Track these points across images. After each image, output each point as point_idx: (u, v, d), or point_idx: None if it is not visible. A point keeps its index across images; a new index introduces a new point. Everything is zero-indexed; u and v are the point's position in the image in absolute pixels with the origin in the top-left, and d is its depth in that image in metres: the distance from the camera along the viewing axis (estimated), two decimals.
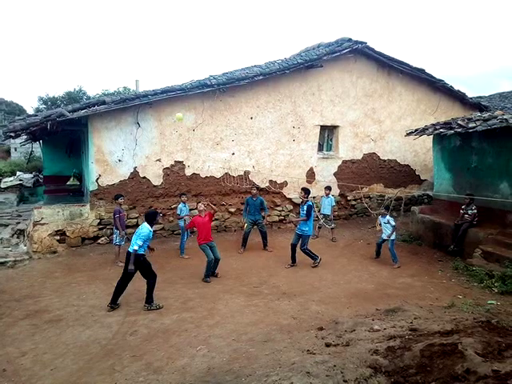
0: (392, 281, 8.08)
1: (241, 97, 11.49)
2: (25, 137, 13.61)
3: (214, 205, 11.47)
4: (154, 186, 10.80)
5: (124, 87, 29.10)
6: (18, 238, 10.80)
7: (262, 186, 11.81)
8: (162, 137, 10.74)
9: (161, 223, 10.70)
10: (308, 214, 8.80)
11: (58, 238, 9.84)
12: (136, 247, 6.45)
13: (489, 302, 6.57)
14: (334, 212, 11.75)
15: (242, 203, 11.74)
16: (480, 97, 17.85)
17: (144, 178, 10.66)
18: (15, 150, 19.95)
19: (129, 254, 6.56)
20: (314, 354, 4.57)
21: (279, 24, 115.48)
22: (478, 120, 9.47)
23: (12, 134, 9.89)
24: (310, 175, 12.79)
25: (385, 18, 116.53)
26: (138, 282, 7.86)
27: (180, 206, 9.72)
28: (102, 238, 10.23)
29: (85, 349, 5.31)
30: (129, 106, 9.90)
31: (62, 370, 4.80)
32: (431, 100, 14.29)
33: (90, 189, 10.20)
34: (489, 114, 10.14)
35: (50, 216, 9.81)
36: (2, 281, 7.99)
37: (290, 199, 12.60)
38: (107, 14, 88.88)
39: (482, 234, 8.98)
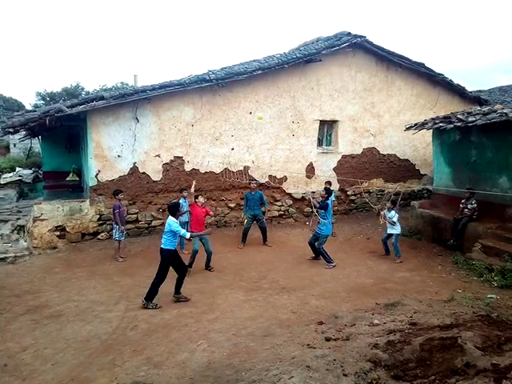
0: (391, 275, 8.09)
1: (240, 92, 11.45)
2: (24, 132, 13.56)
3: (214, 200, 11.56)
4: (154, 182, 10.79)
5: (122, 82, 29.07)
6: (18, 233, 10.81)
7: (262, 181, 11.79)
8: (161, 132, 10.72)
9: (161, 218, 10.70)
10: (325, 208, 8.81)
11: (58, 233, 9.84)
12: (188, 235, 6.72)
13: (488, 295, 6.59)
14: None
15: (242, 198, 11.73)
16: (480, 91, 17.78)
17: (143, 173, 10.65)
18: (14, 145, 19.94)
19: (163, 250, 6.61)
20: (314, 348, 4.58)
21: (278, 18, 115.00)
22: (478, 114, 9.45)
23: (11, 130, 9.85)
24: (310, 170, 12.77)
25: (383, 13, 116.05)
26: (138, 277, 7.91)
27: (181, 201, 9.69)
28: (102, 234, 10.23)
29: (85, 344, 5.33)
30: (127, 101, 9.87)
31: (62, 365, 4.82)
32: (430, 94, 14.24)
33: (90, 184, 10.19)
34: (488, 107, 10.11)
35: (50, 212, 9.81)
36: (2, 276, 8.00)
37: (289, 194, 12.59)
38: (105, 8, 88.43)
39: (482, 229, 8.99)
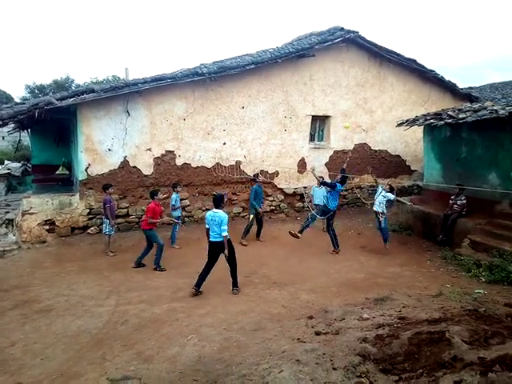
0: (381, 270, 8.16)
1: (232, 86, 11.39)
2: (12, 125, 13.40)
3: (205, 195, 11.52)
4: (145, 176, 10.72)
5: (113, 75, 28.73)
6: (6, 227, 10.68)
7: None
8: (153, 126, 10.64)
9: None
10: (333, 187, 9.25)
11: (48, 227, 9.75)
12: (226, 233, 6.61)
13: (476, 290, 6.66)
14: None
15: (234, 193, 11.74)
16: (471, 88, 17.91)
17: (134, 167, 10.57)
18: (3, 138, 19.70)
19: (215, 243, 6.68)
20: (304, 342, 4.61)
21: (271, 12, 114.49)
22: (469, 111, 9.53)
23: None
24: (302, 165, 12.79)
25: (377, 9, 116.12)
26: (130, 272, 7.89)
27: (175, 196, 9.65)
28: (92, 228, 10.16)
29: (75, 338, 5.30)
30: (118, 94, 9.77)
31: (52, 360, 4.78)
32: (422, 90, 14.31)
33: (80, 178, 10.10)
34: (479, 104, 10.21)
35: (39, 205, 9.71)
36: None
37: (281, 189, 12.60)
38: (96, 0, 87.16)
39: (471, 224, 9.09)
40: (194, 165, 11.27)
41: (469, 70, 64.04)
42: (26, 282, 7.36)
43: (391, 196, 9.25)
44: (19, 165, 16.74)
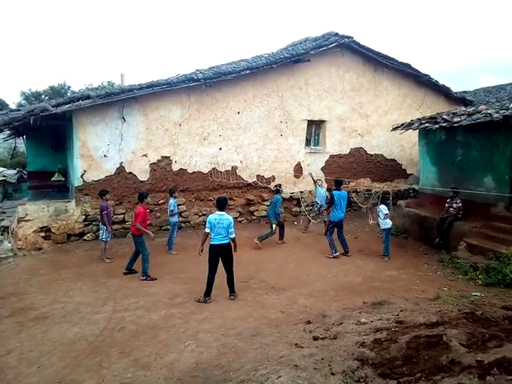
0: (378, 274, 8.16)
1: (228, 91, 11.43)
2: (8, 132, 13.34)
3: (202, 200, 11.50)
4: (141, 182, 10.70)
5: (109, 82, 28.73)
6: (2, 234, 10.61)
7: (250, 180, 11.80)
8: (149, 132, 10.63)
9: (148, 218, 10.60)
10: (331, 202, 9.53)
11: (43, 234, 9.70)
12: (234, 235, 6.67)
13: (473, 293, 6.68)
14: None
15: (230, 198, 11.70)
16: (465, 91, 18.04)
17: (130, 173, 10.55)
18: None
19: (219, 245, 6.61)
20: (302, 347, 4.59)
21: (266, 18, 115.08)
22: (463, 114, 9.59)
23: None
24: (298, 170, 12.81)
25: (370, 14, 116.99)
26: (126, 279, 7.84)
27: (173, 202, 9.61)
28: (88, 235, 10.11)
29: (72, 346, 5.25)
30: (114, 100, 9.77)
31: (48, 368, 4.74)
32: (417, 95, 14.41)
33: (75, 184, 10.06)
34: (473, 108, 10.27)
35: (35, 212, 9.66)
36: None
37: None
38: (91, 6, 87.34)
39: (467, 227, 9.12)
40: (190, 170, 11.26)
41: (463, 72, 64.49)
42: (22, 289, 7.31)
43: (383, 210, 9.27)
44: (15, 171, 16.65)
